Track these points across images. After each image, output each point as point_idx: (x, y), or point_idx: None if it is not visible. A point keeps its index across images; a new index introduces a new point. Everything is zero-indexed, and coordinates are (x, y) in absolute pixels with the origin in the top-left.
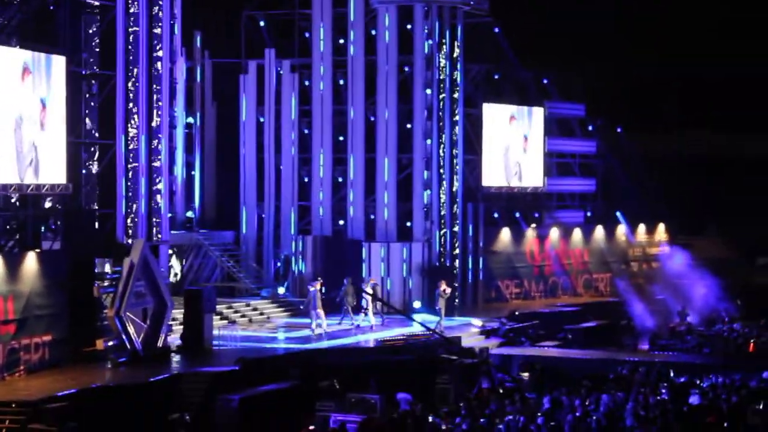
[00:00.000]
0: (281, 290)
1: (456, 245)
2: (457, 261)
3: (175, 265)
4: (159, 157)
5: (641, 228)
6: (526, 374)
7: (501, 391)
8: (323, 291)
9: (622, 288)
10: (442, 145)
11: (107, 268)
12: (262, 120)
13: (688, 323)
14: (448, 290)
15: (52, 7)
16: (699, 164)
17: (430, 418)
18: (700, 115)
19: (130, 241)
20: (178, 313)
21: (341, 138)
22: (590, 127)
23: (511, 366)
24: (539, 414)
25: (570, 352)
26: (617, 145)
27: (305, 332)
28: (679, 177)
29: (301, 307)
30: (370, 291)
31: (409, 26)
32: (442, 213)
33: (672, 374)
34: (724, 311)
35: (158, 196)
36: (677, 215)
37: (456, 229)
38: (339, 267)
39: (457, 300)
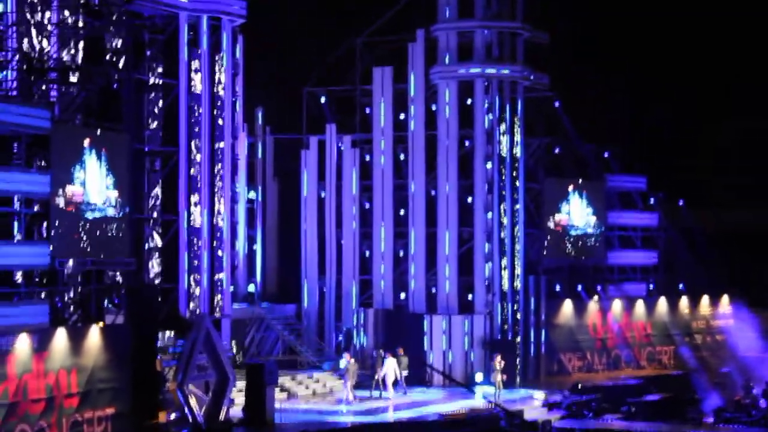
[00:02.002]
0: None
1: (518, 318)
2: (519, 334)
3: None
4: (221, 231)
5: (704, 300)
6: None
7: None
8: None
9: (687, 361)
10: (503, 219)
11: (170, 342)
12: (323, 195)
13: (754, 396)
14: (503, 363)
15: (115, 86)
16: (762, 237)
17: None
18: (760, 188)
19: (192, 314)
20: (240, 386)
21: (402, 212)
22: (651, 200)
23: None
24: None
25: (634, 426)
26: (679, 218)
27: (367, 405)
28: (741, 250)
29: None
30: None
31: (469, 101)
32: (504, 286)
33: None
34: None
35: (220, 271)
36: (741, 288)
37: (518, 302)
38: (400, 340)
39: (518, 373)
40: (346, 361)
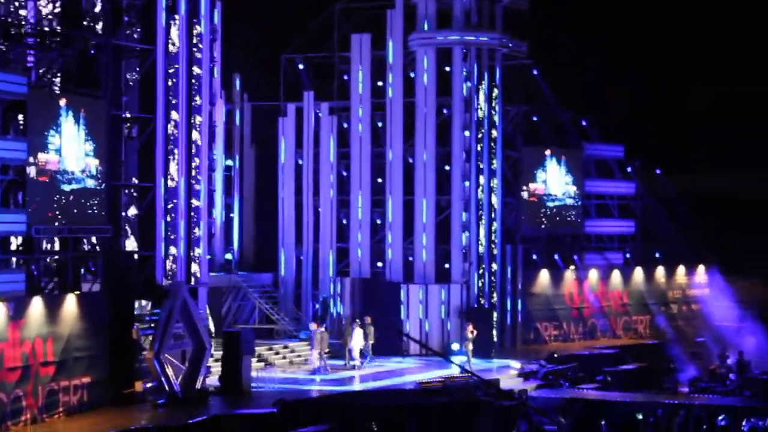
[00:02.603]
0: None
1: (494, 287)
2: (495, 303)
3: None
4: (198, 199)
5: (681, 269)
6: (565, 417)
7: None
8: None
9: (663, 330)
10: (480, 187)
11: (146, 311)
12: (300, 162)
13: (729, 366)
14: (475, 332)
15: (92, 51)
16: (738, 204)
17: None
18: (737, 156)
19: (169, 283)
20: (217, 355)
21: (380, 180)
22: (629, 169)
23: (549, 408)
24: None
25: (609, 395)
26: (656, 185)
27: (342, 374)
28: (718, 217)
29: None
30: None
31: (447, 68)
32: (481, 255)
33: (721, 417)
34: None
35: (197, 239)
36: (717, 256)
37: (494, 270)
38: (377, 309)
39: (494, 342)
40: (312, 330)
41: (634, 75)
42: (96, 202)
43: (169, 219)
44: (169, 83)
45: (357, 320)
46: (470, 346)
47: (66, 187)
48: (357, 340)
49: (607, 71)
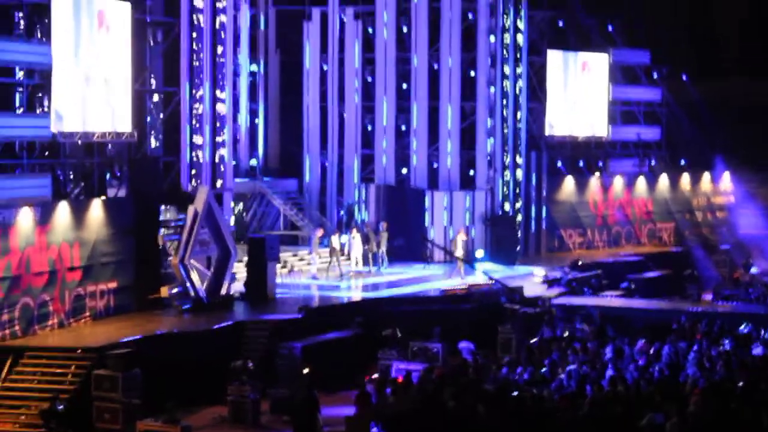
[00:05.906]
0: (345, 239)
1: (519, 194)
2: (520, 210)
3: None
4: (223, 105)
5: (706, 176)
6: (588, 324)
7: (563, 340)
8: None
9: (687, 238)
10: (505, 93)
11: (172, 216)
12: (325, 68)
13: (752, 274)
14: (466, 238)
15: None
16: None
17: (492, 367)
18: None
19: (194, 188)
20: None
21: (405, 86)
22: (655, 75)
23: (573, 315)
24: (601, 364)
25: (633, 302)
26: (682, 92)
27: (369, 280)
28: (744, 124)
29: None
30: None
31: None
32: (506, 161)
33: (742, 326)
34: None
35: (222, 144)
36: (743, 164)
37: (519, 177)
38: (402, 215)
39: (519, 248)
40: (313, 236)
41: None
42: (121, 107)
43: (194, 124)
44: None
45: (355, 226)
46: (460, 253)
47: (93, 89)
48: (356, 246)
49: None
